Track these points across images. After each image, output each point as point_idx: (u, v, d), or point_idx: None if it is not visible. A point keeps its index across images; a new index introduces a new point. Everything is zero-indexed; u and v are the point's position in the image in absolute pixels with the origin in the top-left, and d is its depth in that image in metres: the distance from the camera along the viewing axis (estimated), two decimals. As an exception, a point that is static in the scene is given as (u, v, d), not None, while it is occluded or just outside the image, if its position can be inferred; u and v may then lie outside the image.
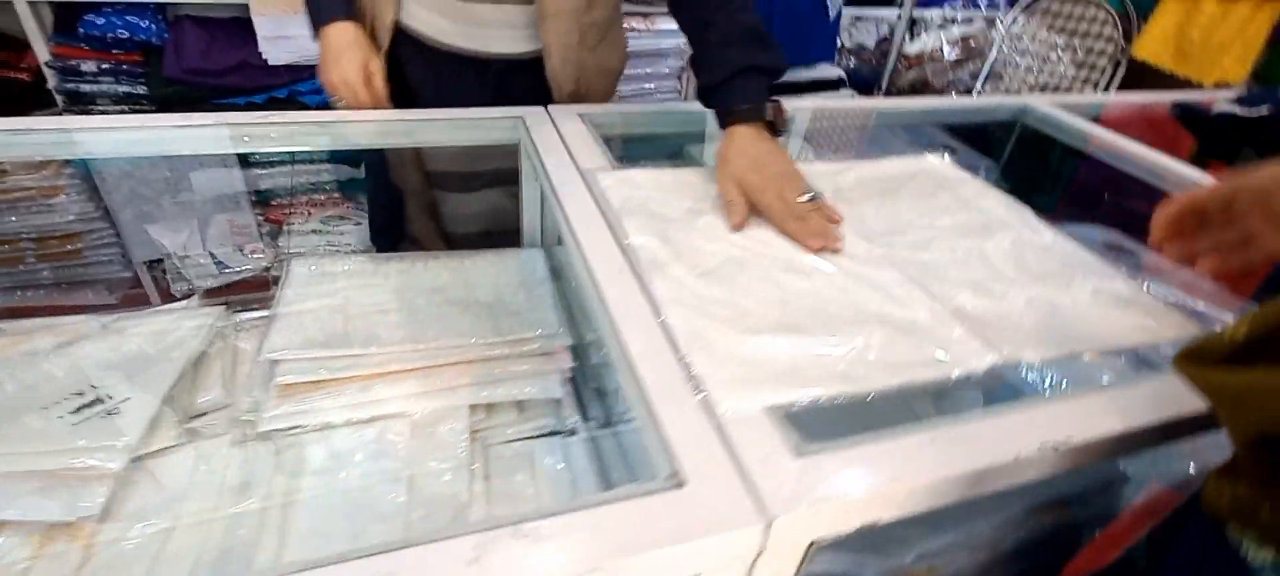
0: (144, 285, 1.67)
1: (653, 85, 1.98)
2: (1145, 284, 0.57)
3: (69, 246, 1.51)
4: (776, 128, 0.69)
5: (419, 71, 0.90)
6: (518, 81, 0.89)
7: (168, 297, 1.66)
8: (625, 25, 1.84)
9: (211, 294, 1.63)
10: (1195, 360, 0.37)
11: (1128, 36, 2.00)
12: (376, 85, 0.83)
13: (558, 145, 0.76)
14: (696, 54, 0.75)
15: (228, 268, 1.65)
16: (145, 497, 0.58)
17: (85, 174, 1.45)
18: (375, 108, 0.84)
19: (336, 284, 0.77)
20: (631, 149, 1.20)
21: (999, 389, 0.61)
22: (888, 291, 0.52)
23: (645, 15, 1.86)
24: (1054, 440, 0.42)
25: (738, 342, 0.46)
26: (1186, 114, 1.10)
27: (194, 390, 0.69)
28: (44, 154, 1.29)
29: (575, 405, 0.73)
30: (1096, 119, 1.11)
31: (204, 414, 0.68)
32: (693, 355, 0.44)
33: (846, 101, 2.05)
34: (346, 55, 0.81)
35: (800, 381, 0.43)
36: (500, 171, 0.95)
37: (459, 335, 0.72)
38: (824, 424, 0.43)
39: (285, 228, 1.71)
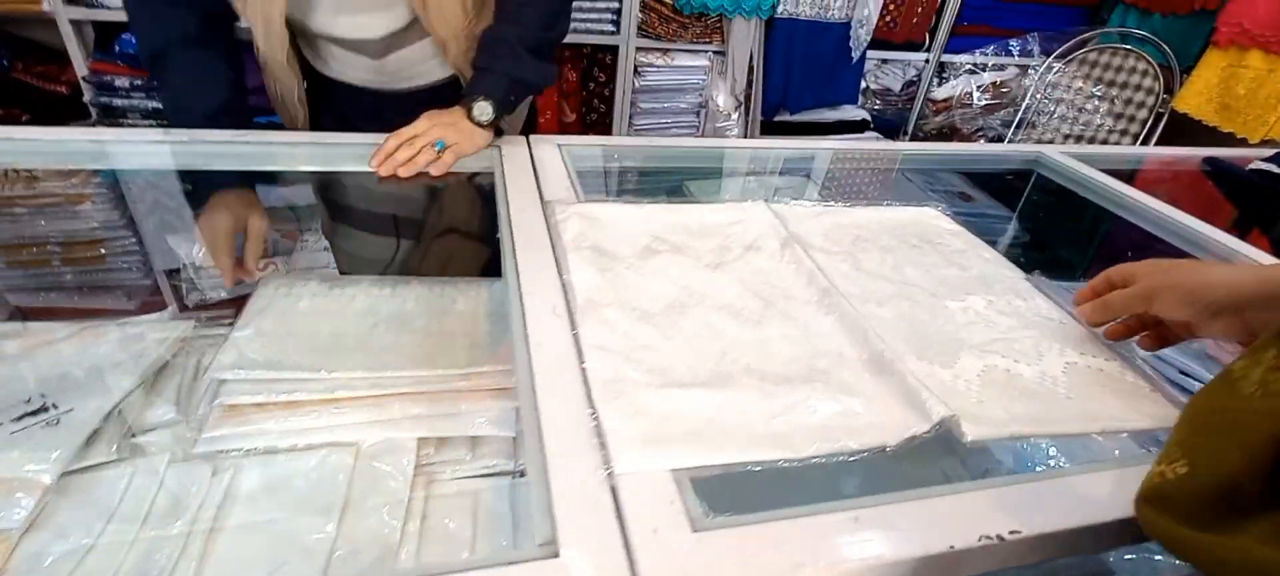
0: (163, 293, 1.71)
1: (670, 120, 1.98)
2: (1137, 357, 0.51)
3: (92, 252, 1.57)
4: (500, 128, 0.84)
5: (348, 104, 0.96)
6: (445, 103, 0.91)
7: (182, 306, 1.70)
8: (645, 60, 1.86)
9: (220, 305, 1.66)
10: (1156, 507, 0.31)
11: (1170, 89, 1.90)
12: (247, 258, 0.86)
13: (527, 174, 0.74)
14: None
15: (240, 280, 1.68)
16: (74, 513, 0.57)
17: (112, 183, 1.52)
18: (234, 275, 0.85)
19: (301, 305, 0.76)
20: (628, 183, 1.18)
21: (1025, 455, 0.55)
22: (837, 349, 0.48)
23: (664, 51, 1.87)
24: (999, 530, 0.37)
25: (659, 395, 0.43)
26: (1217, 171, 1.03)
27: (147, 404, 0.69)
28: (77, 163, 1.36)
29: (532, 444, 0.70)
30: (1132, 175, 1.05)
31: (153, 429, 0.67)
32: (605, 405, 0.41)
33: (851, 144, 2.01)
34: (221, 217, 0.84)
35: (716, 443, 0.39)
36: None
37: (413, 365, 0.70)
38: (761, 491, 0.39)
39: (299, 243, 1.74)
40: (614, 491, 0.36)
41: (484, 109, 0.79)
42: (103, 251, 1.56)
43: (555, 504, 0.35)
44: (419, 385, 0.69)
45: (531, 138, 0.84)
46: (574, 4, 1.72)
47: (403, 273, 1.03)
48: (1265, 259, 0.77)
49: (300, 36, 0.90)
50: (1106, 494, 0.40)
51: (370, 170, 0.78)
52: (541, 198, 0.69)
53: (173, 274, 1.77)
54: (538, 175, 0.74)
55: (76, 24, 1.40)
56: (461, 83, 0.90)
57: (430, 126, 0.78)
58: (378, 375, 0.68)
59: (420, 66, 0.91)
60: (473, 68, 0.83)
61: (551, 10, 0.81)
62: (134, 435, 0.65)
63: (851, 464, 0.41)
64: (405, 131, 0.78)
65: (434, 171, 0.77)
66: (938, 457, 0.56)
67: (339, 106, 0.96)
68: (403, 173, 0.75)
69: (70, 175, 1.46)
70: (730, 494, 0.38)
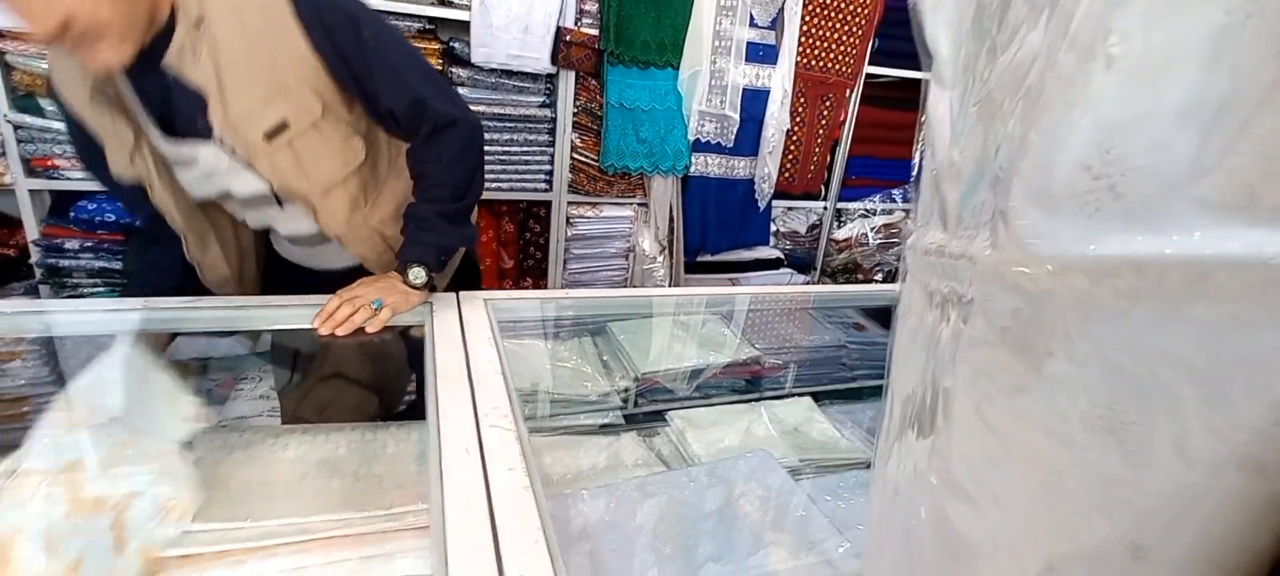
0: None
1: (602, 264, 2.16)
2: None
3: (15, 410, 1.54)
4: (432, 285, 0.96)
5: (280, 272, 1.12)
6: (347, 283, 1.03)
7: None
8: (576, 212, 2.06)
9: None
10: None
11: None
12: None
13: (454, 328, 0.85)
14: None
15: (168, 433, 1.66)
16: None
17: (46, 342, 1.53)
18: None
19: (234, 456, 0.81)
20: (552, 330, 1.30)
21: None
22: None
23: (593, 204, 2.08)
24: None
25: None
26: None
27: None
28: (16, 332, 1.38)
29: (453, 581, 0.75)
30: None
31: (72, 590, 0.69)
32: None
33: (761, 289, 2.25)
34: None
35: None
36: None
37: (341, 509, 0.75)
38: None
39: (234, 393, 1.75)
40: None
41: (417, 273, 0.91)
42: (26, 409, 1.53)
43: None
44: (346, 528, 0.74)
45: (460, 293, 0.96)
46: (508, 168, 1.94)
47: (341, 420, 1.09)
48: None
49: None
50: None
51: (310, 327, 0.86)
52: (465, 350, 0.80)
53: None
54: (464, 329, 0.85)
55: (35, 193, 1.49)
56: (364, 269, 1.03)
57: (368, 289, 0.89)
58: (305, 520, 0.73)
59: (331, 258, 1.06)
60: (402, 235, 0.96)
61: (461, 183, 0.94)
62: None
63: None
64: (346, 292, 0.89)
65: (370, 328, 0.87)
66: None
67: (274, 273, 1.10)
68: (341, 331, 0.85)
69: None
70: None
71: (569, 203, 2.01)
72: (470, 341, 0.82)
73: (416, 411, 1.09)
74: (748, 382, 1.35)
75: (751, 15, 1.99)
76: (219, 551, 0.69)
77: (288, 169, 0.87)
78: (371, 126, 0.94)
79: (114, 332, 1.32)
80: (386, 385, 1.08)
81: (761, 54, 2.03)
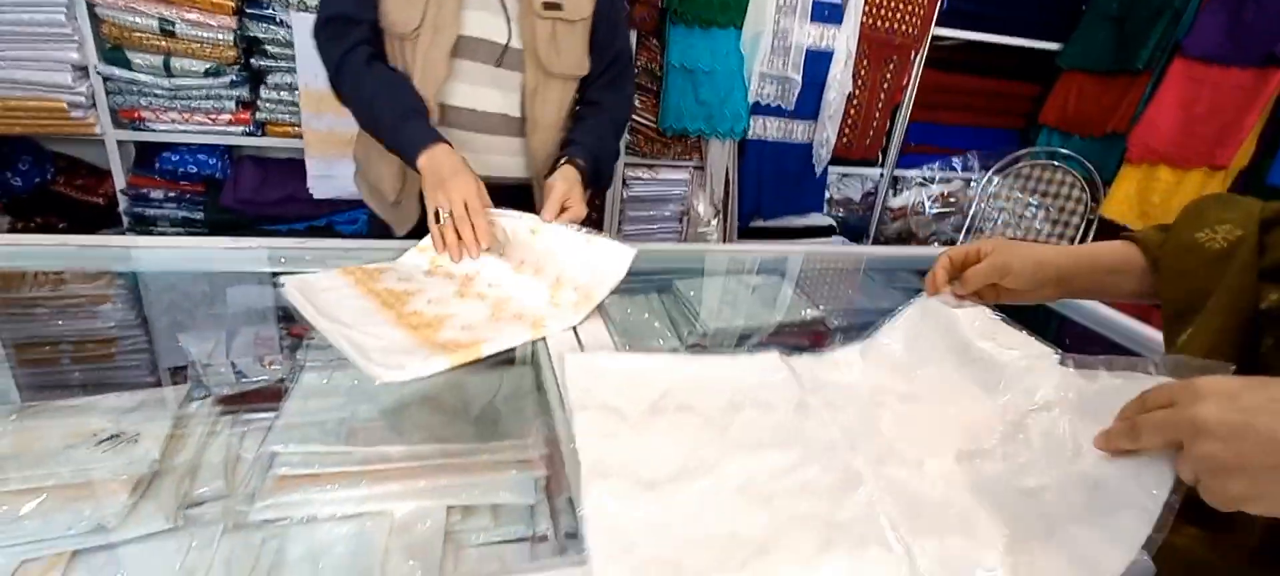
0: (163, 388, 1.75)
1: (656, 226, 2.16)
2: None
3: (103, 351, 1.63)
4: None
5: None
6: (515, 200, 1.09)
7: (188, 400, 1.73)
8: (633, 174, 2.06)
9: (225, 401, 1.71)
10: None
11: (1096, 198, 2.16)
12: (480, 220, 0.97)
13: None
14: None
15: (245, 377, 1.73)
16: (137, 576, 0.63)
17: (133, 285, 1.60)
18: (474, 236, 0.98)
19: (342, 390, 0.85)
20: (623, 284, 1.31)
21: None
22: (859, 538, 0.50)
23: (650, 166, 2.08)
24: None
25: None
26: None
27: (195, 480, 0.75)
28: (105, 267, 1.45)
29: (548, 512, 0.78)
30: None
31: (201, 503, 0.73)
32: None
33: (825, 248, 2.21)
34: (461, 178, 0.96)
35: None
36: None
37: (442, 440, 0.78)
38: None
39: (305, 342, 1.82)
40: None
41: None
42: (113, 350, 1.62)
43: None
44: (447, 458, 0.77)
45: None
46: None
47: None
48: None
49: None
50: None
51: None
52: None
53: (176, 371, 1.82)
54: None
55: (122, 144, 1.55)
56: (534, 186, 1.13)
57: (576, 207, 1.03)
58: (409, 449, 0.76)
59: (500, 158, 1.11)
60: (572, 140, 1.10)
61: (622, 124, 1.19)
62: (186, 507, 0.72)
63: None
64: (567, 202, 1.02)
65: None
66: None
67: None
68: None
69: (95, 277, 1.54)
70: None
71: (626, 164, 2.01)
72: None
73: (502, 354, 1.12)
74: (810, 343, 1.35)
75: (817, -27, 1.94)
76: (338, 472, 0.73)
77: (542, 39, 1.02)
78: None
79: (203, 274, 1.37)
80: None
81: (827, 13, 1.98)
